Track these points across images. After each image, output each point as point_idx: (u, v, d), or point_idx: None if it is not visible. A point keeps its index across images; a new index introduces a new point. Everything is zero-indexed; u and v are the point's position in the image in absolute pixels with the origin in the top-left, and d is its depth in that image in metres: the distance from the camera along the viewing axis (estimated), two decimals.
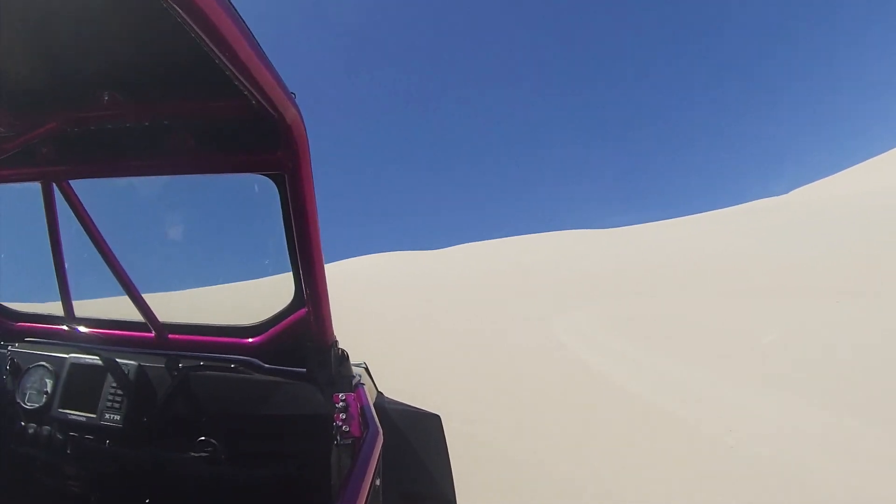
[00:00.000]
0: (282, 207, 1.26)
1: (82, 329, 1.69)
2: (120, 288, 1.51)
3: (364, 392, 1.41)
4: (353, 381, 1.46)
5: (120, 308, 1.58)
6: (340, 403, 1.30)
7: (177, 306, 1.71)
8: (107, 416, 1.43)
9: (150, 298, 1.56)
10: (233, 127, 1.15)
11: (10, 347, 1.63)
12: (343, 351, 1.50)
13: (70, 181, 1.38)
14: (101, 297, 1.70)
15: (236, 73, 0.85)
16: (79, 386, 1.50)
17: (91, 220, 1.44)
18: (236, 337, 1.57)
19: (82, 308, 1.70)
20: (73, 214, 1.43)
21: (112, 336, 1.66)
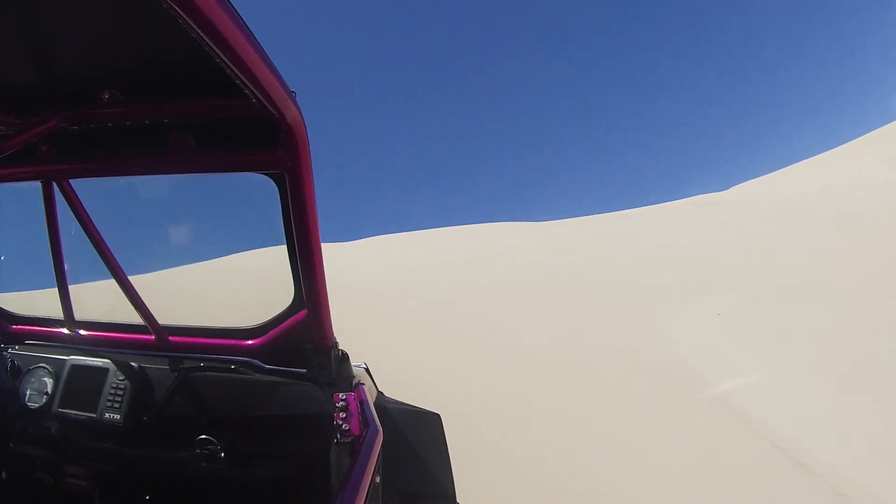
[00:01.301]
0: (282, 207, 1.26)
1: (82, 332, 1.69)
2: (119, 289, 1.51)
3: (364, 391, 1.41)
4: (354, 382, 1.46)
5: (120, 311, 1.58)
6: (340, 403, 1.31)
7: (177, 308, 1.71)
8: (107, 415, 1.44)
9: (149, 300, 1.56)
10: (233, 126, 1.15)
11: (10, 350, 1.64)
12: (343, 352, 1.51)
13: (70, 180, 1.38)
14: (100, 298, 1.71)
15: (236, 72, 0.85)
16: (79, 386, 1.50)
17: (91, 220, 1.44)
18: (236, 339, 1.58)
19: (82, 310, 1.70)
20: (72, 214, 1.43)
21: (112, 339, 1.66)
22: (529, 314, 10.32)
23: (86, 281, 1.68)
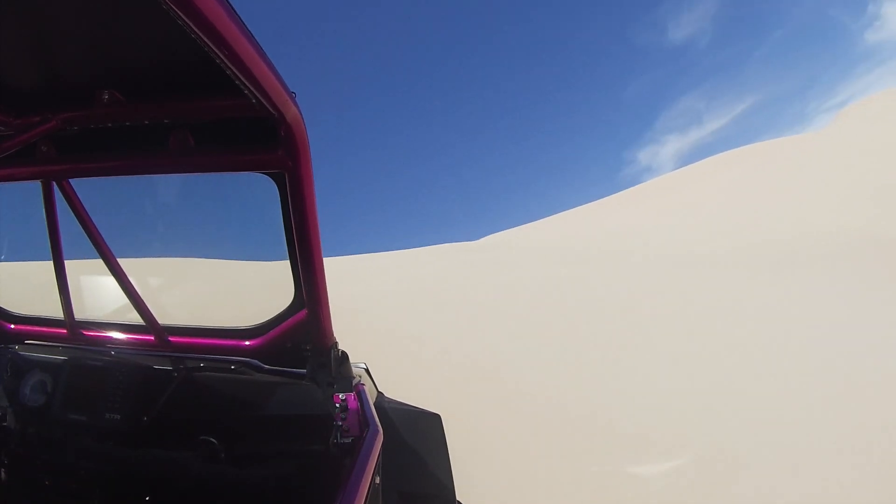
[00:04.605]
0: (281, 206, 1.26)
1: (82, 332, 1.69)
2: (120, 290, 1.51)
3: (364, 392, 1.41)
4: (354, 382, 1.46)
5: (120, 311, 1.58)
6: (340, 403, 1.31)
7: (176, 308, 1.71)
8: (107, 416, 1.43)
9: (149, 299, 1.56)
10: (233, 126, 1.15)
11: (10, 350, 1.63)
12: (343, 352, 1.51)
13: (70, 180, 1.38)
14: (101, 299, 1.70)
15: (236, 73, 0.85)
16: (79, 387, 1.50)
17: (91, 219, 1.44)
18: (236, 339, 1.58)
19: (82, 310, 1.70)
20: (73, 214, 1.43)
21: (112, 339, 1.66)
22: None
23: (85, 281, 1.68)
